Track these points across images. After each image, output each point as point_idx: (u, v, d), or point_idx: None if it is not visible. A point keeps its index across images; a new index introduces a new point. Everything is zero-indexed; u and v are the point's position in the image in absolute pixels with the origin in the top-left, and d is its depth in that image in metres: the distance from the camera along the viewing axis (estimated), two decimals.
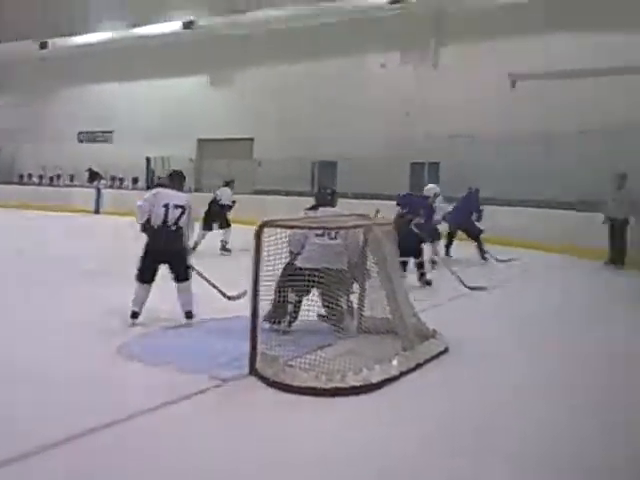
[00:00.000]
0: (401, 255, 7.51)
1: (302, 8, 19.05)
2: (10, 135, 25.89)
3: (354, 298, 5.55)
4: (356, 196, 15.43)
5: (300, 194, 15.30)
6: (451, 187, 12.16)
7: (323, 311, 5.39)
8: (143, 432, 3.57)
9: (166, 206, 5.80)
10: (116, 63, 23.27)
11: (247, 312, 4.61)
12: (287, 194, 17.00)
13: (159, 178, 17.48)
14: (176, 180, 6.17)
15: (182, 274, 5.91)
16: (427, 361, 4.78)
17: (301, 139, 18.58)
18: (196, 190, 21.12)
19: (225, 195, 11.68)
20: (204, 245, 10.83)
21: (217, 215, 11.41)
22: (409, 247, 7.63)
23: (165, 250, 5.85)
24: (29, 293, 7.27)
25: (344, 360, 4.53)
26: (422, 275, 8.29)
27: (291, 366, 4.41)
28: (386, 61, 18.47)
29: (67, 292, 7.36)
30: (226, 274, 7.14)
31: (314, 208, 5.97)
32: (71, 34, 23.53)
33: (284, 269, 5.46)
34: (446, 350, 5.08)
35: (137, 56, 22.69)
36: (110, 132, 24.82)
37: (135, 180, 22.00)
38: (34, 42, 24.24)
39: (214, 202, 11.59)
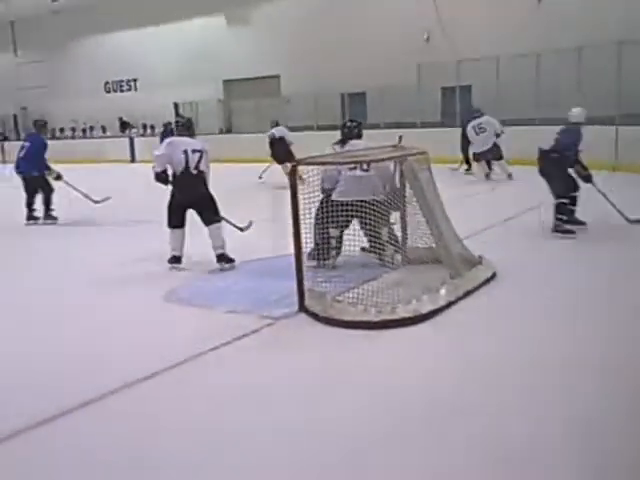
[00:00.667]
0: (564, 196, 6.64)
1: None
2: (36, 92, 25.94)
3: (397, 229, 5.52)
4: (388, 126, 15.18)
5: (332, 127, 15.10)
6: (486, 110, 11.93)
7: (365, 244, 5.40)
8: (201, 375, 3.64)
9: (185, 152, 5.87)
10: (129, 9, 22.94)
11: (288, 251, 4.67)
12: (319, 129, 16.82)
13: (164, 126, 17.54)
14: (182, 129, 6.21)
15: (210, 217, 5.98)
16: (475, 288, 4.75)
17: (328, 72, 18.23)
18: (227, 131, 21.10)
19: (286, 133, 12.66)
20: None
21: (283, 150, 12.19)
22: (571, 183, 6.75)
23: (190, 195, 5.93)
24: (73, 244, 7.45)
25: (392, 292, 4.54)
26: (571, 213, 6.79)
27: (339, 301, 4.45)
28: None
29: (111, 241, 7.56)
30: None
31: (342, 142, 5.93)
32: None
33: (320, 206, 5.44)
34: (494, 276, 5.04)
35: (150, 0, 22.30)
36: (134, 80, 24.68)
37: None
38: None
39: (275, 140, 12.47)
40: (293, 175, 4.58)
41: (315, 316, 4.36)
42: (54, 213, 9.16)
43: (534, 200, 7.30)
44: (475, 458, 2.65)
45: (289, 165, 4.87)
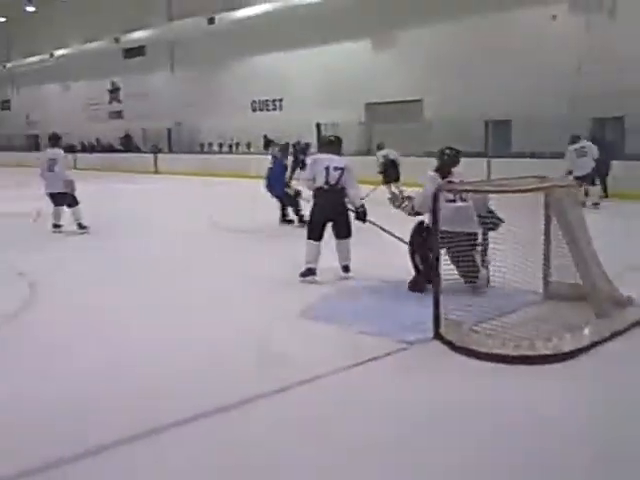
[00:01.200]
0: None
1: None
2: (189, 108, 27.52)
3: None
4: (533, 155, 14.74)
5: (473, 155, 14.86)
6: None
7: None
8: (329, 394, 3.69)
9: (327, 168, 6.22)
10: (280, 32, 23.70)
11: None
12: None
13: (299, 143, 18.57)
14: (332, 145, 6.65)
15: (343, 232, 6.30)
16: (624, 330, 4.49)
17: (472, 98, 17.98)
18: (367, 154, 21.30)
19: (396, 155, 13.74)
20: None
21: (394, 172, 12.95)
22: None
23: (328, 209, 6.26)
24: (213, 256, 7.88)
25: (531, 327, 4.40)
26: None
27: (476, 331, 4.37)
28: (556, 11, 17.24)
29: (250, 254, 7.91)
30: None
31: (441, 170, 5.85)
32: (235, 8, 24.31)
33: (416, 232, 5.78)
34: None
35: (299, 24, 22.90)
36: (280, 100, 25.53)
37: (307, 146, 22.54)
38: (202, 18, 25.35)
39: (389, 162, 13.31)
40: (436, 198, 4.61)
41: (450, 344, 4.31)
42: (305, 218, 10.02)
43: None
44: None
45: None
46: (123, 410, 3.43)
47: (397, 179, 12.69)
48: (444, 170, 5.83)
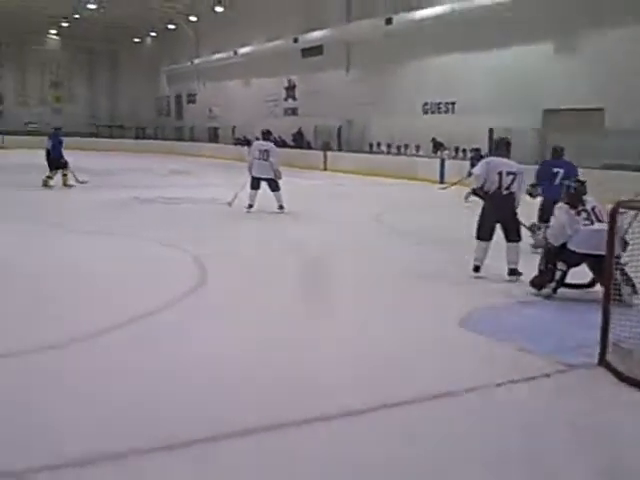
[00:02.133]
0: None
1: None
2: (360, 108, 27.85)
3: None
4: None
5: None
6: None
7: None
8: (483, 409, 3.59)
9: (500, 173, 6.39)
10: (457, 34, 23.19)
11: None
12: (634, 169, 15.46)
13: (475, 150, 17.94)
14: (502, 147, 6.80)
15: (513, 235, 6.46)
16: None
17: None
18: (536, 163, 20.44)
19: None
20: None
21: None
22: None
23: (499, 212, 6.46)
24: (379, 254, 8.04)
25: None
26: None
27: None
28: None
29: (419, 255, 7.94)
30: None
31: (572, 203, 5.86)
32: (414, 8, 24.22)
33: (557, 251, 5.88)
34: None
35: (477, 26, 22.23)
36: (453, 103, 25.11)
37: (478, 151, 21.99)
38: (380, 19, 25.50)
39: None
40: (613, 216, 4.33)
41: (617, 374, 4.02)
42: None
43: None
44: None
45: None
46: (256, 401, 3.55)
47: None
48: (574, 202, 5.86)
